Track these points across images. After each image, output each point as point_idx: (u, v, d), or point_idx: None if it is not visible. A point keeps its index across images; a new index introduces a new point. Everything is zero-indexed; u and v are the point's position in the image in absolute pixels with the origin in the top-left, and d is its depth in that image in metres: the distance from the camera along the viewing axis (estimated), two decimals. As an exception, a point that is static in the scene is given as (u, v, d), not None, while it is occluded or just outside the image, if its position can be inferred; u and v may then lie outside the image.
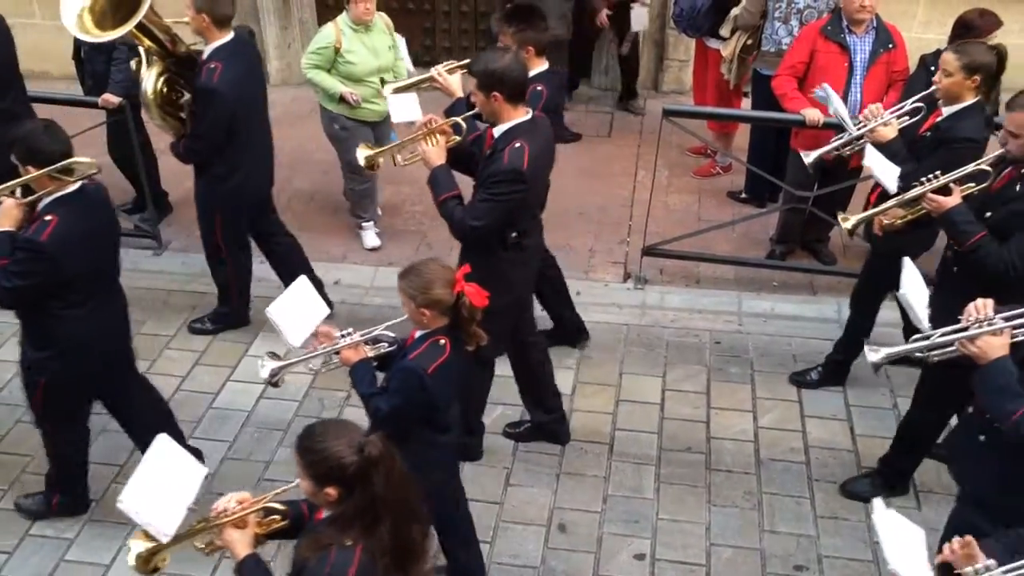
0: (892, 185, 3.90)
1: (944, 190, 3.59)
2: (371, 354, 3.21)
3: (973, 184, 3.63)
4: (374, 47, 5.37)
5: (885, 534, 2.47)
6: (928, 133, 4.08)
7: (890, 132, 4.09)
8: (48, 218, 3.42)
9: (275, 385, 3.32)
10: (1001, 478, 2.94)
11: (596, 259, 5.87)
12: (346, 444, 2.37)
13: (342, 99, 5.37)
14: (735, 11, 6.00)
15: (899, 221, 3.89)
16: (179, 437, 3.96)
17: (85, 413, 4.02)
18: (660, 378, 4.92)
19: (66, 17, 4.51)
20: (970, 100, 3.93)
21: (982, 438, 3.01)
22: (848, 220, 4.01)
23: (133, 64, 4.86)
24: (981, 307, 2.84)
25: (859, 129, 4.21)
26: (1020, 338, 2.84)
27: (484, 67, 3.59)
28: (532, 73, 4.12)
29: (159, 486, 2.70)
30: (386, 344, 3.24)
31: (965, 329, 2.85)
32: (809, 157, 4.45)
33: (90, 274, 3.62)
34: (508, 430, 4.56)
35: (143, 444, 3.37)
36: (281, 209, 6.29)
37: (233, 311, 5.25)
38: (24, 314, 3.68)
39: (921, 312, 3.14)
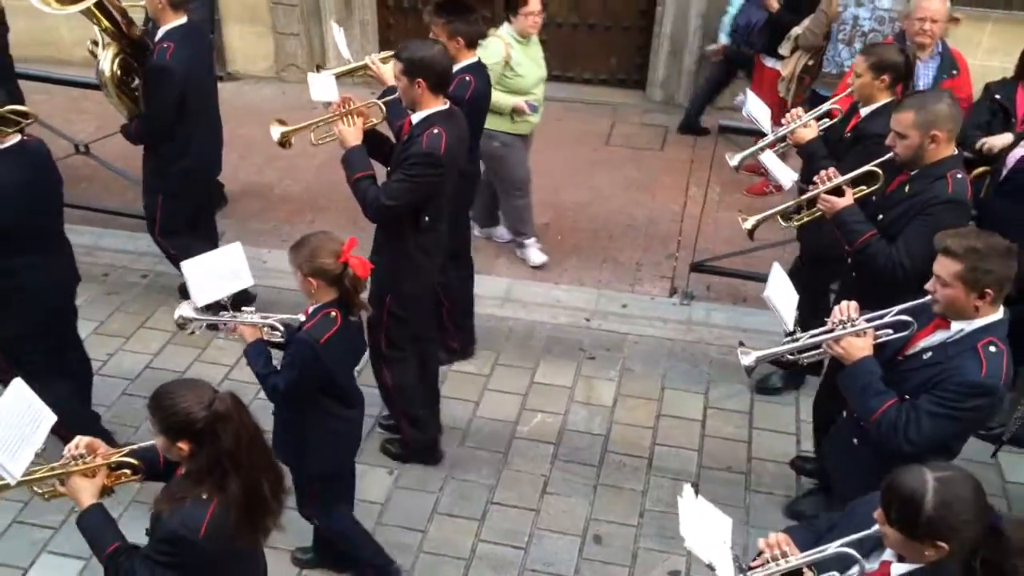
0: (787, 183, 4.22)
1: (838, 191, 3.72)
2: (266, 338, 3.34)
3: (865, 187, 3.74)
4: (536, 57, 5.32)
5: (686, 517, 2.53)
6: (849, 134, 4.21)
7: (809, 133, 4.22)
8: None
9: (181, 328, 3.42)
10: (872, 482, 2.95)
11: (643, 272, 5.86)
12: (195, 400, 2.47)
13: (511, 112, 5.23)
14: (796, 30, 5.95)
15: (796, 223, 4.05)
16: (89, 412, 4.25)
17: (62, 365, 4.12)
18: (703, 395, 4.90)
19: None
20: (884, 100, 4.08)
21: (855, 441, 3.15)
22: (747, 220, 4.11)
23: (89, 44, 4.94)
24: (845, 309, 2.99)
25: (780, 131, 4.34)
26: (884, 339, 2.98)
27: (412, 55, 3.69)
28: (462, 64, 4.30)
29: (10, 428, 2.74)
30: (278, 335, 3.35)
31: (832, 331, 2.99)
32: (733, 159, 4.49)
33: (30, 226, 3.74)
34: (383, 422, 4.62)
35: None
36: (339, 209, 6.36)
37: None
38: None
39: (787, 315, 3.21)
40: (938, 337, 2.90)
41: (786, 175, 4.22)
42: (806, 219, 3.97)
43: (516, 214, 5.80)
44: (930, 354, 2.90)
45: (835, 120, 4.30)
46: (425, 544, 3.99)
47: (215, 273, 3.37)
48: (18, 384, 2.90)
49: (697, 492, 2.64)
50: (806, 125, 4.22)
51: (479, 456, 4.51)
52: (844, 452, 3.25)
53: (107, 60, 4.77)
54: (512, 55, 5.13)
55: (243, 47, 7.80)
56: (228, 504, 2.48)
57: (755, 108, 4.54)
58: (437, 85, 3.72)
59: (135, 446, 2.76)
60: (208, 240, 5.30)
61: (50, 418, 2.87)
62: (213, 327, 3.55)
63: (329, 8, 7.59)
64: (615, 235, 6.17)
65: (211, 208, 5.57)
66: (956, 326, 2.86)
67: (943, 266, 2.79)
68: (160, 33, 4.68)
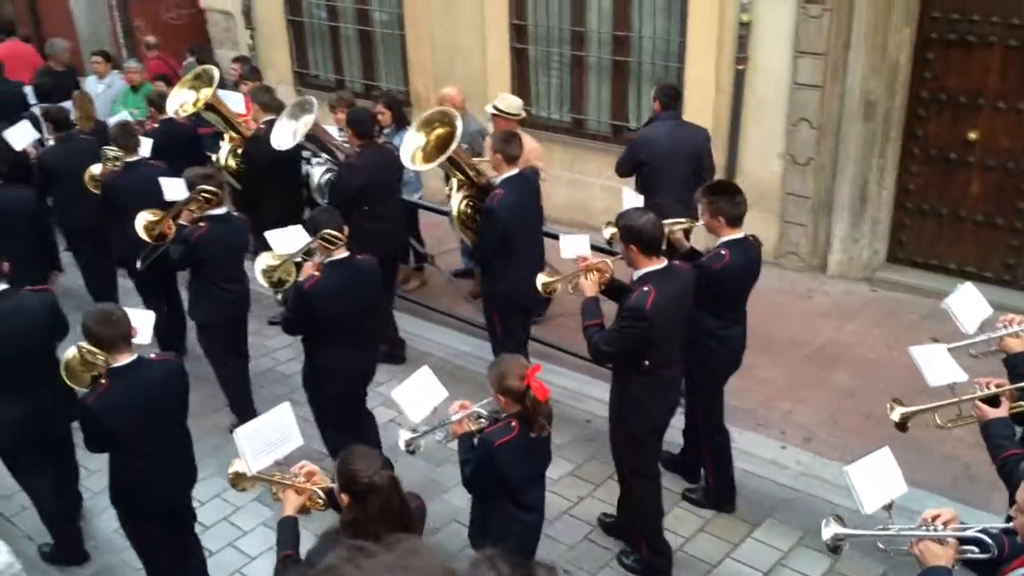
0: (934, 381, 3.85)
1: (995, 401, 3.58)
2: (473, 428, 3.82)
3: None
4: None
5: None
6: None
7: (1017, 345, 3.90)
8: (315, 273, 4.77)
9: (412, 452, 3.96)
10: None
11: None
12: (364, 467, 3.06)
13: None
14: None
15: (949, 424, 3.80)
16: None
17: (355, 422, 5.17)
18: None
19: (404, 156, 5.94)
20: None
21: None
22: (894, 410, 3.83)
23: (446, 188, 6.15)
24: (936, 514, 2.93)
25: (986, 334, 4.05)
26: (970, 556, 2.89)
27: (625, 223, 4.26)
28: (724, 239, 4.69)
29: (266, 436, 3.49)
30: (484, 420, 3.83)
31: (918, 531, 2.93)
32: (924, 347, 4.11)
33: (338, 322, 4.81)
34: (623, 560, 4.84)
35: None
36: (820, 403, 6.04)
37: None
38: (301, 340, 5.08)
39: (868, 499, 3.17)
40: (1021, 572, 2.80)
41: (938, 373, 3.86)
42: (960, 424, 3.80)
43: None
44: None
45: None
46: None
47: (418, 393, 3.99)
48: (285, 407, 3.66)
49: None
50: (1017, 335, 3.92)
51: None
52: None
53: (456, 200, 5.89)
54: None
55: (748, 231, 7.93)
56: None
57: (961, 305, 4.26)
58: (647, 249, 4.21)
59: (333, 486, 3.30)
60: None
61: (297, 440, 3.59)
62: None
63: (843, 204, 7.48)
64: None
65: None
66: None
67: (1021, 492, 2.72)
68: (497, 181, 5.64)
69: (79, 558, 5.06)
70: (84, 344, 4.04)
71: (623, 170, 6.54)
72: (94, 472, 5.34)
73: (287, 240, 5.28)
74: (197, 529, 4.78)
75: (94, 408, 3.95)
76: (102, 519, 5.27)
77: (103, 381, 4.01)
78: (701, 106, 7.74)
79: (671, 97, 6.45)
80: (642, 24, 8.14)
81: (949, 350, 3.98)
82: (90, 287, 7.37)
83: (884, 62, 7.08)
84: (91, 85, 9.57)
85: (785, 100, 7.40)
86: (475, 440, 3.79)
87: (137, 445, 4.05)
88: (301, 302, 4.78)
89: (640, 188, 6.27)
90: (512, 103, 6.76)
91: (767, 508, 5.17)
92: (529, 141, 6.39)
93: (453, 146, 5.64)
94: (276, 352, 7.09)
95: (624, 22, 8.21)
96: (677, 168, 6.24)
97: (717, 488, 5.16)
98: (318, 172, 7.11)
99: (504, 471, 3.69)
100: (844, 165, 7.38)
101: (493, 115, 6.68)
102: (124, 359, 4.04)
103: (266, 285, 5.37)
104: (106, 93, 9.57)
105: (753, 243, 4.78)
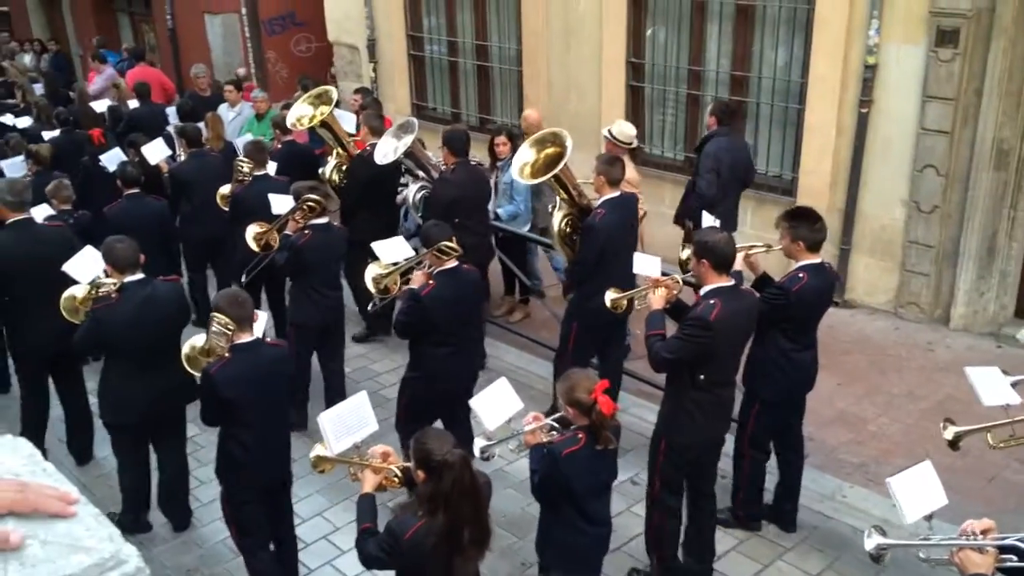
0: (989, 402, 3.87)
1: None
2: (545, 439, 3.90)
3: None
4: None
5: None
6: None
7: None
8: (429, 282, 5.04)
9: (486, 459, 4.02)
10: None
11: None
12: (437, 446, 3.29)
13: None
14: None
15: (1002, 444, 3.80)
16: None
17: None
18: None
19: (515, 169, 6.15)
20: None
21: None
22: (948, 429, 3.89)
23: (549, 207, 6.33)
24: (974, 525, 2.96)
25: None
26: (1008, 564, 2.94)
27: (701, 238, 4.44)
28: (801, 264, 4.78)
29: (346, 421, 3.78)
30: (556, 432, 3.93)
31: (957, 540, 2.98)
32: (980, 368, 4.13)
33: (449, 327, 5.10)
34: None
35: None
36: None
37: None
38: (409, 345, 5.35)
39: (910, 510, 3.21)
40: None
41: (991, 394, 3.89)
42: (1012, 444, 3.79)
43: None
44: None
45: None
46: None
47: (495, 404, 4.08)
48: (362, 395, 3.94)
49: None
50: None
51: None
52: None
53: (557, 219, 6.10)
54: None
55: (866, 278, 7.63)
56: (430, 528, 3.22)
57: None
58: (719, 265, 4.34)
59: (408, 465, 3.53)
60: (615, 366, 6.15)
61: (373, 425, 3.86)
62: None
63: (969, 254, 7.13)
64: None
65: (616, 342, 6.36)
66: None
67: None
68: (598, 202, 5.85)
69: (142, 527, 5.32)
70: (217, 315, 4.39)
71: (712, 190, 6.72)
72: (204, 483, 5.51)
73: (391, 250, 5.59)
74: (298, 544, 4.94)
75: (216, 377, 4.27)
76: (210, 528, 5.42)
77: (227, 355, 4.33)
78: (821, 148, 7.56)
79: (726, 114, 6.92)
80: (762, 65, 8.04)
81: (1020, 383, 3.95)
82: (193, 294, 7.67)
83: (1019, 110, 6.78)
84: (222, 111, 10.04)
85: (911, 145, 7.16)
86: (543, 448, 3.89)
87: (246, 417, 4.36)
88: (417, 307, 5.06)
89: None
90: (625, 131, 6.84)
91: (876, 568, 4.87)
92: (631, 170, 6.52)
93: (561, 164, 5.85)
94: (380, 376, 7.17)
95: (744, 62, 8.13)
96: (732, 179, 6.81)
97: (744, 506, 5.20)
98: (413, 189, 7.47)
99: (569, 480, 3.79)
100: (972, 214, 7.06)
101: (606, 140, 6.79)
102: (246, 338, 4.40)
103: (374, 292, 5.64)
104: (235, 120, 10.03)
105: (829, 270, 4.91)
